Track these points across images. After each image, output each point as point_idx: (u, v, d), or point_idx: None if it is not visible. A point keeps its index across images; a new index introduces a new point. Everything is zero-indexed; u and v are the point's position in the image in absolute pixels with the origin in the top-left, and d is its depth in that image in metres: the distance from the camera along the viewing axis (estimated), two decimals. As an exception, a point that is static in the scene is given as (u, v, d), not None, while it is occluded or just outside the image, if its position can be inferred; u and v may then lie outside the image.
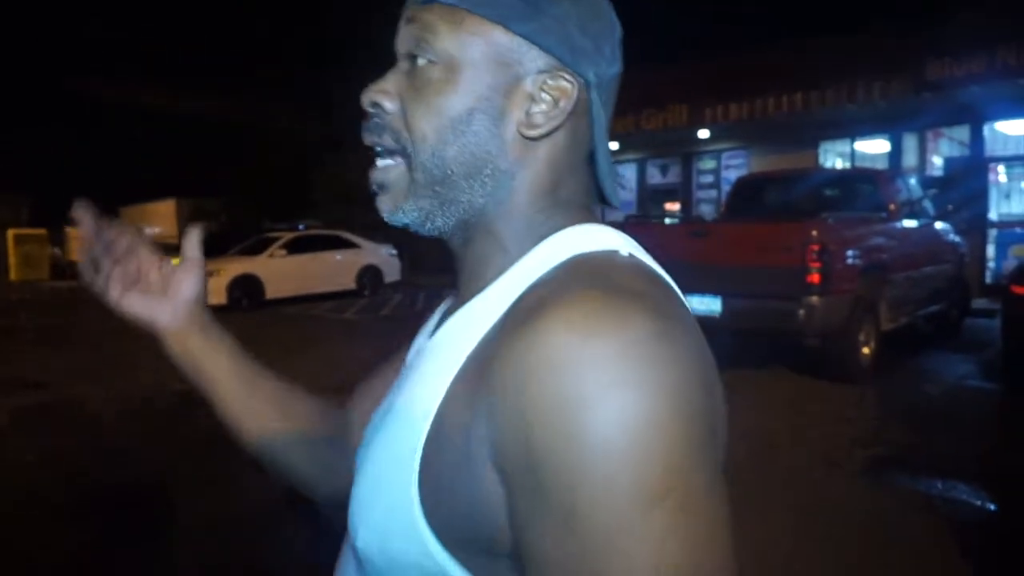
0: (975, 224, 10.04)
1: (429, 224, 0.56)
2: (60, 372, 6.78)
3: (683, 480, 0.38)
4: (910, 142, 11.78)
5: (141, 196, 32.84)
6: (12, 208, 24.61)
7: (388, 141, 0.55)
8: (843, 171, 9.57)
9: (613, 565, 0.37)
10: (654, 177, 15.96)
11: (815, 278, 4.99)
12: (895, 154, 11.90)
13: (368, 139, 0.57)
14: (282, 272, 12.53)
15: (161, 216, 31.25)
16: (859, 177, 7.36)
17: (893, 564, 2.72)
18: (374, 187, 0.57)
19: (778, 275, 5.15)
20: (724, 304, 5.47)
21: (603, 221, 0.57)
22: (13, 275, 21.57)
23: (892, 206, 6.32)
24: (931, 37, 9.74)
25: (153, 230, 30.07)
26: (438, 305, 0.68)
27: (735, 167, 14.03)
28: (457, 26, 0.51)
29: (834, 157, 12.85)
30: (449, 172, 0.53)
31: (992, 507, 3.33)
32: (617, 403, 0.38)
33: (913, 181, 7.60)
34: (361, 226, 17.13)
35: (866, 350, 5.65)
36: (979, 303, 8.82)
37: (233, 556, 2.88)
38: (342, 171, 18.86)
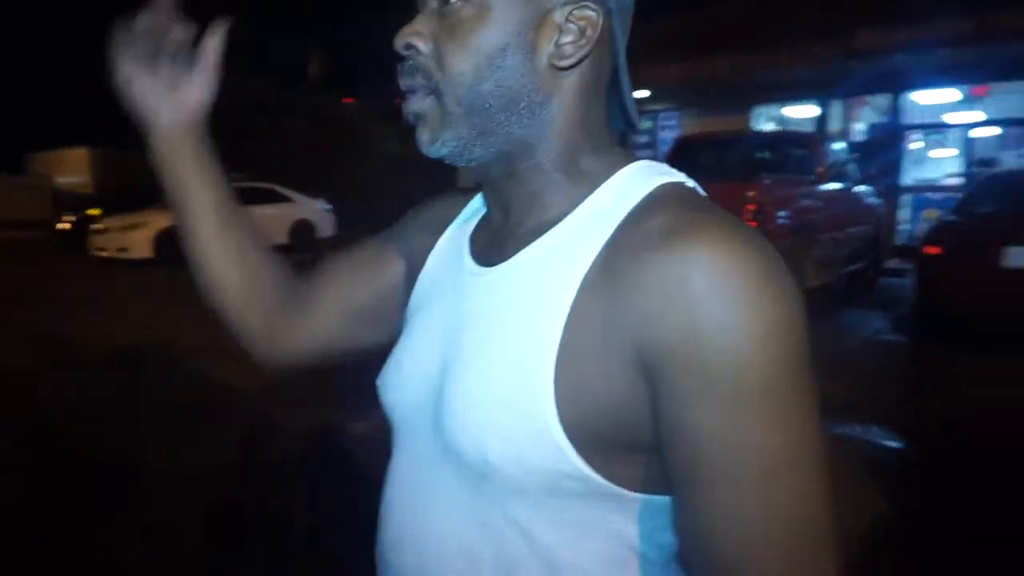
0: (890, 188, 10.62)
1: (468, 154, 0.58)
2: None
3: (804, 365, 0.48)
4: (836, 109, 12.26)
5: (51, 143, 30.74)
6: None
7: (420, 81, 0.57)
8: (778, 133, 9.91)
9: (763, 429, 0.47)
10: (591, 136, 16.13)
11: (751, 237, 5.23)
12: (822, 120, 12.36)
13: (403, 83, 0.59)
14: (212, 226, 12.09)
15: (73, 165, 29.39)
16: (793, 140, 7.67)
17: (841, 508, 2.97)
18: (411, 118, 0.59)
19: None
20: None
21: None
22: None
23: (821, 169, 6.63)
24: (859, 7, 10.10)
25: (66, 180, 28.34)
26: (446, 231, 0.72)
27: (670, 128, 14.30)
28: None
29: (765, 121, 13.25)
30: (487, 106, 0.56)
31: (904, 446, 3.65)
32: (768, 307, 0.47)
33: (840, 146, 7.97)
34: (294, 180, 16.63)
35: (793, 306, 5.97)
36: (892, 263, 9.40)
37: (216, 508, 2.88)
38: (279, 123, 18.25)
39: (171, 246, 12.61)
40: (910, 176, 11.46)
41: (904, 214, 11.32)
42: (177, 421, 3.88)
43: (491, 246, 0.63)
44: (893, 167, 10.85)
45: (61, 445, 3.57)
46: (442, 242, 0.72)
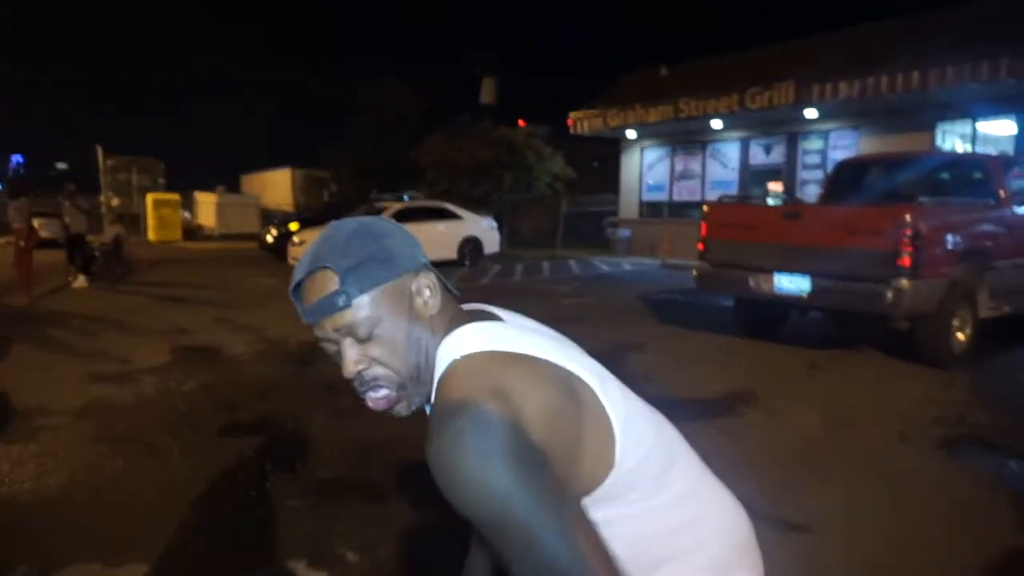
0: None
1: (423, 400, 0.93)
2: (204, 322, 7.72)
3: (517, 492, 0.72)
4: (1040, 124, 11.11)
5: (259, 165, 34.78)
6: (150, 174, 26.61)
7: (384, 385, 0.90)
8: (950, 155, 9.18)
9: (516, 533, 0.72)
10: (757, 156, 15.68)
11: (906, 261, 5.04)
12: (1022, 136, 11.25)
13: (365, 389, 0.91)
14: (389, 240, 13.28)
15: (277, 184, 33.26)
16: (967, 163, 7.14)
17: (956, 530, 2.92)
18: (383, 404, 0.92)
19: (869, 257, 5.22)
20: (813, 283, 5.60)
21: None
22: (151, 236, 23.51)
23: (1003, 193, 6.17)
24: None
25: (271, 197, 32.07)
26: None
27: (843, 147, 13.60)
28: (357, 306, 0.85)
29: (953, 138, 12.25)
30: (419, 366, 0.89)
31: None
32: (472, 479, 0.73)
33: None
34: (464, 198, 17.66)
35: (961, 336, 5.63)
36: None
37: (360, 474, 3.45)
38: (447, 143, 19.57)
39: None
40: None
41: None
42: (334, 404, 4.52)
43: None
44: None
45: (241, 413, 4.33)
46: None
